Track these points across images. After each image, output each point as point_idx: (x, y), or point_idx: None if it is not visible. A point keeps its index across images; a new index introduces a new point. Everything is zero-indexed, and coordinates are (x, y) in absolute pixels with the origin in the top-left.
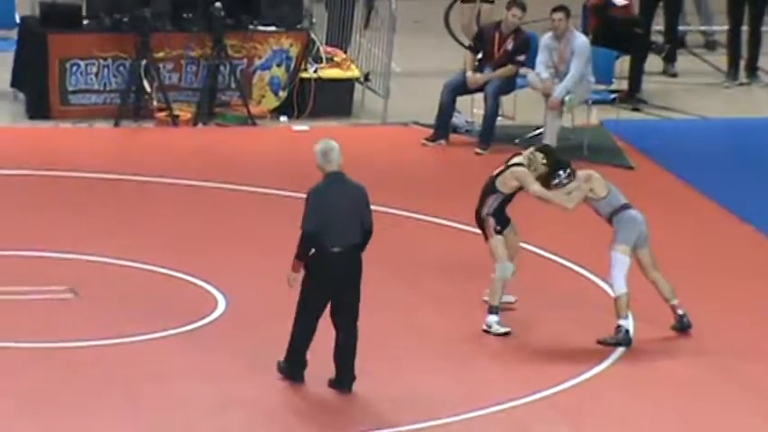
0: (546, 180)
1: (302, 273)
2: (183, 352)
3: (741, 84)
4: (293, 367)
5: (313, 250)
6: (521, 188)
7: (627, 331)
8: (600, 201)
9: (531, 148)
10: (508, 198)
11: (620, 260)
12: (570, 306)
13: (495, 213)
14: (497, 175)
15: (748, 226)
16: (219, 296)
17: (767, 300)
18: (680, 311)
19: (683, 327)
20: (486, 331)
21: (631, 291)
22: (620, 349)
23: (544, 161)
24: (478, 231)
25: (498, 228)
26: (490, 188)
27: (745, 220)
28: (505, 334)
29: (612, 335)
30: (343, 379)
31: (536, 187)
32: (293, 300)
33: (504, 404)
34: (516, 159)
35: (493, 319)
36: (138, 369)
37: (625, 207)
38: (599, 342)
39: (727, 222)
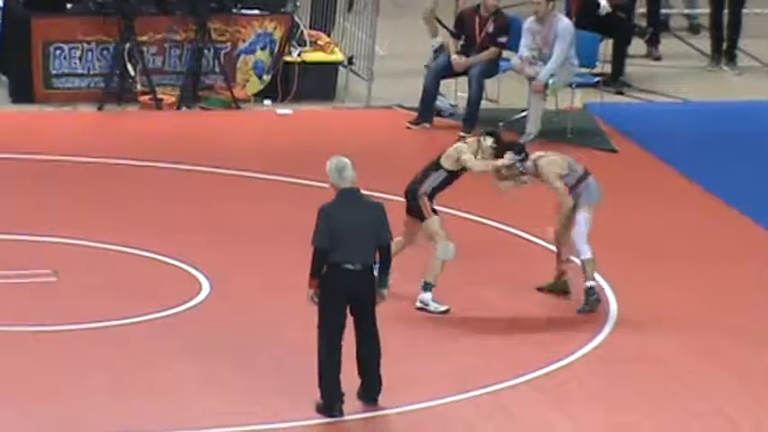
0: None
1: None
2: (167, 335)
3: (722, 67)
4: (330, 400)
5: (325, 268)
6: (464, 168)
7: (595, 291)
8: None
9: (481, 132)
10: (449, 179)
11: (584, 219)
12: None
13: (432, 193)
14: (442, 152)
15: (732, 209)
16: (203, 280)
17: (749, 282)
18: (567, 276)
19: (559, 288)
20: (421, 309)
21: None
22: (605, 330)
23: (493, 145)
24: (463, 214)
25: (434, 208)
26: (433, 165)
27: (727, 202)
28: (445, 312)
29: (584, 301)
30: (371, 385)
31: (466, 157)
32: (277, 284)
33: (489, 387)
34: (464, 141)
35: (428, 296)
36: (123, 353)
37: (585, 176)
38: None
39: (710, 205)
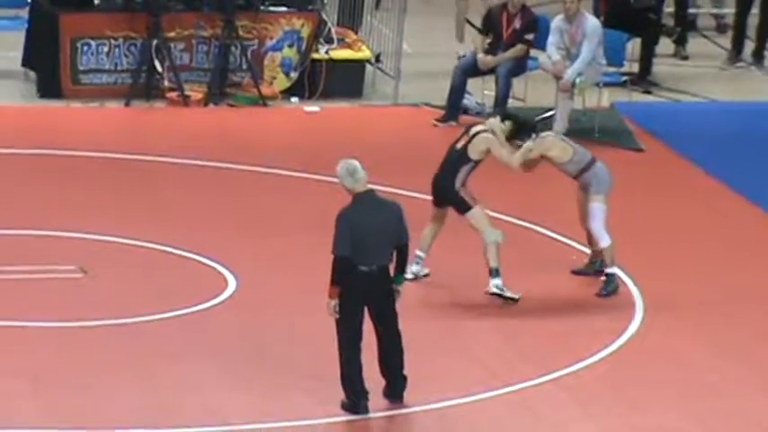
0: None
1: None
2: (193, 332)
3: (739, 67)
4: (354, 398)
5: (352, 270)
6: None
7: (614, 279)
8: (566, 164)
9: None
10: (476, 167)
11: (599, 209)
12: (579, 284)
13: (465, 184)
14: (466, 144)
15: (757, 208)
16: (230, 276)
17: None
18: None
19: (596, 269)
20: (496, 294)
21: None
22: (631, 330)
23: (513, 127)
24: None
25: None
26: (462, 158)
27: (754, 202)
28: (517, 300)
29: (604, 287)
30: (396, 384)
31: (504, 152)
32: (303, 281)
33: (515, 385)
34: (479, 127)
35: (499, 281)
36: (149, 348)
37: (593, 162)
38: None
39: (736, 204)
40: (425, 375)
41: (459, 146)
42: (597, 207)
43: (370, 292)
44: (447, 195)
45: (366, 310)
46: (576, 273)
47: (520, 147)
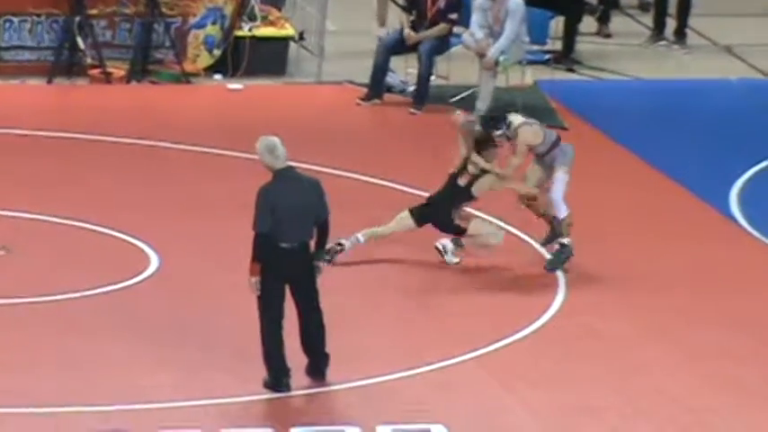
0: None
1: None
2: (115, 310)
3: (661, 46)
4: (276, 376)
5: (272, 247)
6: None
7: (569, 248)
8: (537, 146)
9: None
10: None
11: (563, 179)
12: (503, 265)
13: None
14: (470, 182)
15: (678, 186)
16: (152, 254)
17: (696, 258)
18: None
19: (552, 238)
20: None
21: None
22: (554, 307)
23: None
24: (412, 190)
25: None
26: (465, 195)
27: (674, 179)
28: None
29: (556, 255)
30: (318, 362)
31: (503, 185)
32: (225, 259)
33: (437, 363)
34: (478, 163)
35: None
36: (71, 326)
37: (558, 139)
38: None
39: (658, 181)
40: (349, 353)
41: (462, 183)
42: (561, 177)
43: (291, 269)
44: (444, 228)
45: (288, 287)
46: (543, 244)
47: (494, 142)
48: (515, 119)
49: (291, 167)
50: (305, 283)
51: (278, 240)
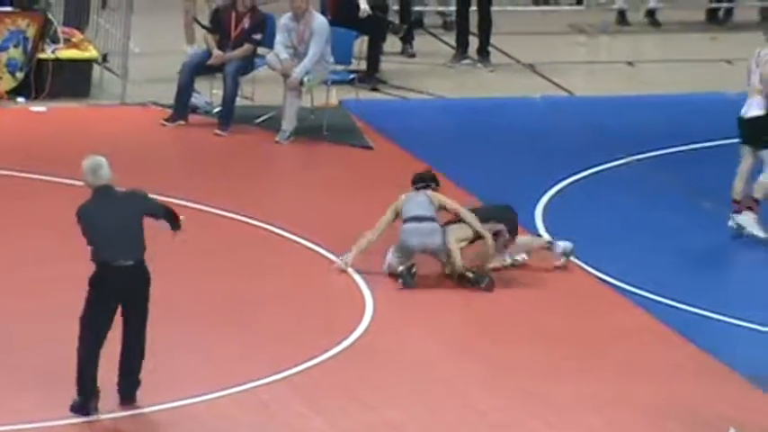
0: None
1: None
2: None
3: (465, 64)
4: (84, 398)
5: (97, 267)
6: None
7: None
8: None
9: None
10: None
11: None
12: (312, 284)
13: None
14: (458, 220)
15: (479, 202)
16: None
17: (503, 274)
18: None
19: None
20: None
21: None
22: (362, 326)
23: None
24: (214, 210)
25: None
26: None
27: (480, 196)
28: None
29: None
30: (130, 385)
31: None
32: (30, 278)
33: (247, 384)
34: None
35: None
36: None
37: None
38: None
39: (461, 198)
40: (158, 374)
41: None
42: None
43: (126, 287)
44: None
45: (120, 306)
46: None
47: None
48: None
49: (110, 186)
50: (138, 303)
51: (109, 259)
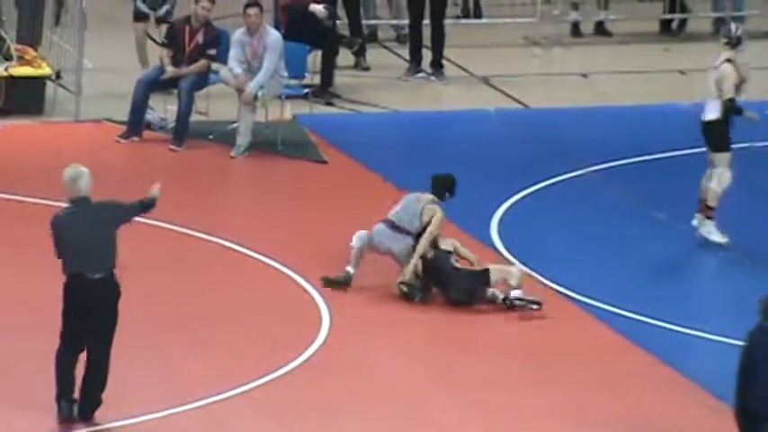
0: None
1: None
2: None
3: (419, 78)
4: (65, 403)
5: (68, 278)
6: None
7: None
8: None
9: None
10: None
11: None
12: (268, 298)
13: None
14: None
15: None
16: None
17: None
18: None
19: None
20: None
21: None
22: (319, 339)
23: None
24: (170, 226)
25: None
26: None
27: None
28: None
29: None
30: (90, 402)
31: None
32: None
33: (205, 399)
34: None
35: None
36: None
37: None
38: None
39: None
40: (115, 390)
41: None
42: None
43: (96, 298)
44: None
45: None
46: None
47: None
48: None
49: (85, 198)
50: (107, 317)
51: (83, 271)
